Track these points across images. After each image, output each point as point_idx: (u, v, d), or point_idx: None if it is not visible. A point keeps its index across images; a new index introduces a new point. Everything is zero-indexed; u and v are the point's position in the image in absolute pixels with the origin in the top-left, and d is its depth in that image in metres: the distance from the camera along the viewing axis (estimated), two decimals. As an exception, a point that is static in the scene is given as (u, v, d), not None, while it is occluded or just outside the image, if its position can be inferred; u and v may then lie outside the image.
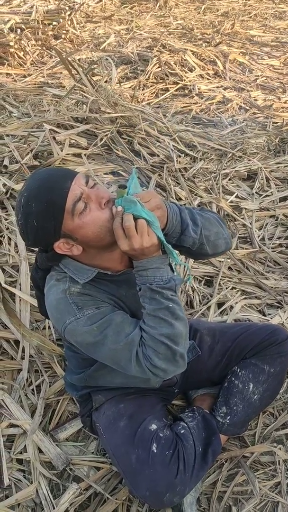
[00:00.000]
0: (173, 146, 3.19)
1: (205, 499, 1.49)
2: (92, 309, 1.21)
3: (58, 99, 3.58)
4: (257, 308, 2.18)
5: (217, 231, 1.34)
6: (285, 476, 1.54)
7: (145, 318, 1.20)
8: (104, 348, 1.20)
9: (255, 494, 1.48)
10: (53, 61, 4.88)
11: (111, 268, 1.28)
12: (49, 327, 1.96)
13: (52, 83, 4.38)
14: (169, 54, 4.94)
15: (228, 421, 1.53)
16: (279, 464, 1.56)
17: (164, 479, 1.29)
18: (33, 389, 1.77)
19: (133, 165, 2.85)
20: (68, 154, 2.78)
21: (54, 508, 1.42)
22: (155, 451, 1.33)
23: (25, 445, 1.59)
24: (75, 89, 3.51)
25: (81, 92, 3.44)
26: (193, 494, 1.42)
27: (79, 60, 4.30)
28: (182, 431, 1.44)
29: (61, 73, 4.66)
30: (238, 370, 1.58)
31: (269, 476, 1.55)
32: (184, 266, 1.23)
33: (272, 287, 2.28)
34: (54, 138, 2.72)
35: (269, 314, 2.14)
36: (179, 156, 3.15)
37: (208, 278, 2.32)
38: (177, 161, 3.04)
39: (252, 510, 1.46)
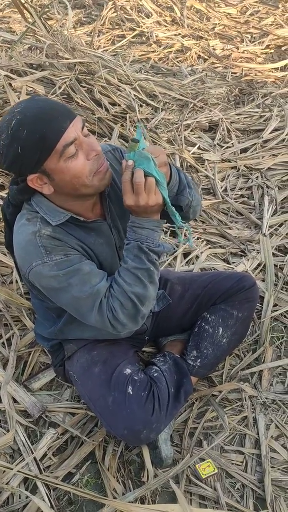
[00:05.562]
0: (134, 95, 3.10)
1: (177, 436, 1.57)
2: (61, 255, 1.20)
3: (10, 45, 3.36)
4: (221, 257, 2.24)
5: (198, 198, 1.39)
6: (251, 410, 1.64)
7: (122, 272, 1.22)
8: (67, 295, 1.21)
9: (225, 428, 1.57)
10: (1, 4, 4.55)
11: (82, 215, 1.27)
12: (16, 281, 1.92)
13: (0, 27, 4.10)
14: (125, -2, 4.72)
15: (198, 364, 1.59)
16: (245, 400, 1.66)
17: (141, 418, 1.34)
18: (3, 343, 1.77)
19: (94, 114, 2.76)
20: (25, 102, 2.64)
21: (32, 453, 1.45)
22: (131, 393, 1.37)
23: (-1, 396, 1.60)
24: (28, 33, 3.30)
25: (35, 36, 3.24)
26: (167, 431, 1.49)
27: (31, 1, 4.01)
28: (155, 374, 1.48)
29: (10, 17, 4.37)
30: (208, 315, 1.63)
31: (236, 411, 1.64)
32: (185, 228, 1.25)
33: (235, 236, 2.34)
34: (10, 84, 2.57)
35: (234, 262, 2.20)
36: (141, 106, 3.08)
37: (174, 229, 2.34)
38: (139, 111, 2.98)
39: (221, 443, 1.55)
